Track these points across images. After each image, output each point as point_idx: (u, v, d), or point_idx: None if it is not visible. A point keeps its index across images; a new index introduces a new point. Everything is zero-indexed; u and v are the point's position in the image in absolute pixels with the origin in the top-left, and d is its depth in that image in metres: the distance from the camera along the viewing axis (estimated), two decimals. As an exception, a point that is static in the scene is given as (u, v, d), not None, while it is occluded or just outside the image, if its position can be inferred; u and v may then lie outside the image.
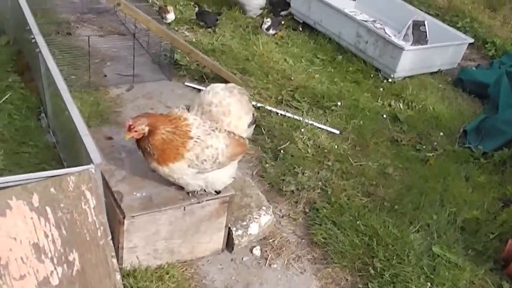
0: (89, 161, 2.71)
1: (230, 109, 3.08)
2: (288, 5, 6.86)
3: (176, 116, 2.99)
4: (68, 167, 2.88)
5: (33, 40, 3.68)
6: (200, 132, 2.96)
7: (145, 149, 2.95)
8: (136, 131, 2.87)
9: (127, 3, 4.68)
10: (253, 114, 3.23)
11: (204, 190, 3.15)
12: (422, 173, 4.40)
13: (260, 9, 6.75)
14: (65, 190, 2.61)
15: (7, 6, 4.83)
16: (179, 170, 2.97)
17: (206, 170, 3.01)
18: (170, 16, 6.04)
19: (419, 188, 4.19)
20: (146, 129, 2.88)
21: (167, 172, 2.99)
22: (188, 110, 3.10)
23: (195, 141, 2.93)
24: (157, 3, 6.61)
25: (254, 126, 3.28)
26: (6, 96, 4.25)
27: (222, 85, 3.16)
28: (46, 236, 2.56)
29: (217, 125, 3.04)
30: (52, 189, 2.58)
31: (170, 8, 6.05)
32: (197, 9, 6.20)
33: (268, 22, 6.19)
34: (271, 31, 6.19)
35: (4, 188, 2.49)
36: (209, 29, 6.12)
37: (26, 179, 2.57)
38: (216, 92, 3.08)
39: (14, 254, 2.47)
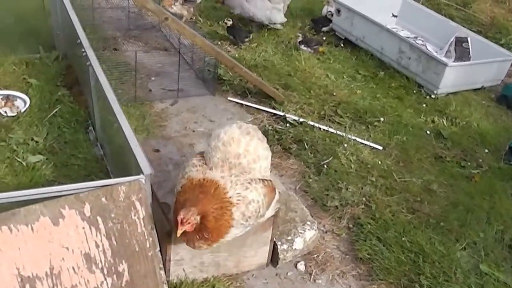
0: (139, 171, 2.73)
1: (258, 154, 2.90)
2: (330, 21, 6.86)
3: (214, 186, 2.76)
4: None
5: (83, 54, 3.76)
6: (239, 188, 2.78)
7: (199, 238, 2.74)
8: (189, 223, 2.65)
9: (174, 17, 4.78)
10: None
11: None
12: (468, 190, 4.33)
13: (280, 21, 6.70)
14: (115, 200, 2.64)
15: (58, 22, 4.97)
16: (230, 237, 2.84)
17: (250, 226, 2.92)
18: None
19: (465, 205, 4.13)
20: (198, 218, 2.67)
21: (215, 246, 2.86)
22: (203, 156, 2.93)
23: (238, 200, 2.75)
24: (201, 20, 6.68)
25: None
26: (56, 109, 4.36)
27: (235, 129, 2.90)
28: (97, 246, 2.59)
29: (249, 176, 2.85)
30: (103, 199, 2.61)
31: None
32: (230, 23, 6.17)
33: (298, 37, 6.25)
34: (304, 47, 6.19)
35: (57, 197, 2.54)
36: (239, 45, 6.13)
37: (78, 189, 2.61)
38: (239, 140, 2.85)
39: (66, 263, 2.51)
